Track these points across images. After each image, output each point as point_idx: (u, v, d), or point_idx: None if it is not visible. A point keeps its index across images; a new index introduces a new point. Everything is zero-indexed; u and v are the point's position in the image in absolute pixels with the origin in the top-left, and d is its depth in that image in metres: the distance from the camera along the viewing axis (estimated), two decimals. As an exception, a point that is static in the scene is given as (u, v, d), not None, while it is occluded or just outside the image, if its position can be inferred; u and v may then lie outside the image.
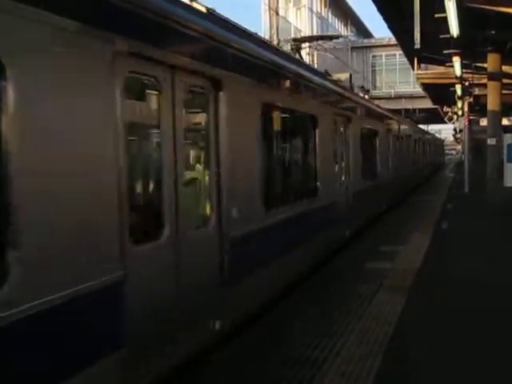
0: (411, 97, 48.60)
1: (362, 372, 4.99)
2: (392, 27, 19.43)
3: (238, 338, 5.76)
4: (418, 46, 11.70)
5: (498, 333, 5.96)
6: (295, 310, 6.91)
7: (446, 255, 10.29)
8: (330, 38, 22.45)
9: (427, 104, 41.92)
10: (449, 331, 6.06)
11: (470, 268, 9.05)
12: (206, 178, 5.21)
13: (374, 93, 49.64)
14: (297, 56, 13.81)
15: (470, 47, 17.45)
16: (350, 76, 18.17)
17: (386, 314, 6.68)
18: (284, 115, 7.43)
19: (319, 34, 42.31)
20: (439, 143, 55.19)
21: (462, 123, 27.03)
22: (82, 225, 3.44)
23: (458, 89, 23.27)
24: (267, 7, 26.87)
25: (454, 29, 12.23)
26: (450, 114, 39.42)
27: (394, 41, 27.94)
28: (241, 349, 5.61)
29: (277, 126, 7.23)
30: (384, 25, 37.66)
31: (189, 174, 4.94)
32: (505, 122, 23.02)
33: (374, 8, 16.50)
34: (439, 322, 6.39)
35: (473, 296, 7.42)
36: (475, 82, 23.01)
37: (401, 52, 30.26)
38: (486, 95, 19.54)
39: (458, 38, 12.90)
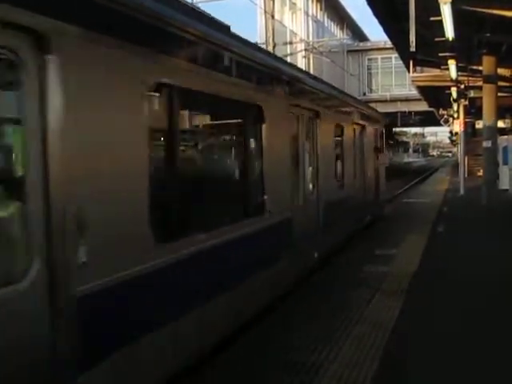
0: (407, 99, 48.69)
1: (359, 377, 4.98)
2: (387, 30, 19.48)
3: (236, 342, 5.76)
4: (413, 48, 11.75)
5: (496, 335, 5.96)
6: (292, 315, 6.91)
7: (443, 257, 10.30)
8: None
9: (423, 107, 42.02)
10: (446, 335, 6.06)
11: (467, 269, 9.06)
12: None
13: (370, 96, 49.82)
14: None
15: (466, 50, 17.53)
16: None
17: (383, 318, 6.66)
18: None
19: (315, 37, 42.47)
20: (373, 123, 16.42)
21: (458, 126, 27.05)
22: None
23: (454, 91, 23.31)
24: (263, 11, 26.88)
25: (449, 32, 12.29)
26: (445, 116, 39.46)
27: (389, 44, 28.02)
28: (238, 353, 5.60)
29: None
30: (380, 29, 37.89)
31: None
32: (500, 124, 23.09)
33: (369, 12, 16.56)
34: (436, 325, 6.38)
35: (470, 298, 7.43)
36: (471, 84, 23.07)
37: (396, 55, 30.33)
38: (481, 98, 19.57)
39: (453, 40, 12.97)
